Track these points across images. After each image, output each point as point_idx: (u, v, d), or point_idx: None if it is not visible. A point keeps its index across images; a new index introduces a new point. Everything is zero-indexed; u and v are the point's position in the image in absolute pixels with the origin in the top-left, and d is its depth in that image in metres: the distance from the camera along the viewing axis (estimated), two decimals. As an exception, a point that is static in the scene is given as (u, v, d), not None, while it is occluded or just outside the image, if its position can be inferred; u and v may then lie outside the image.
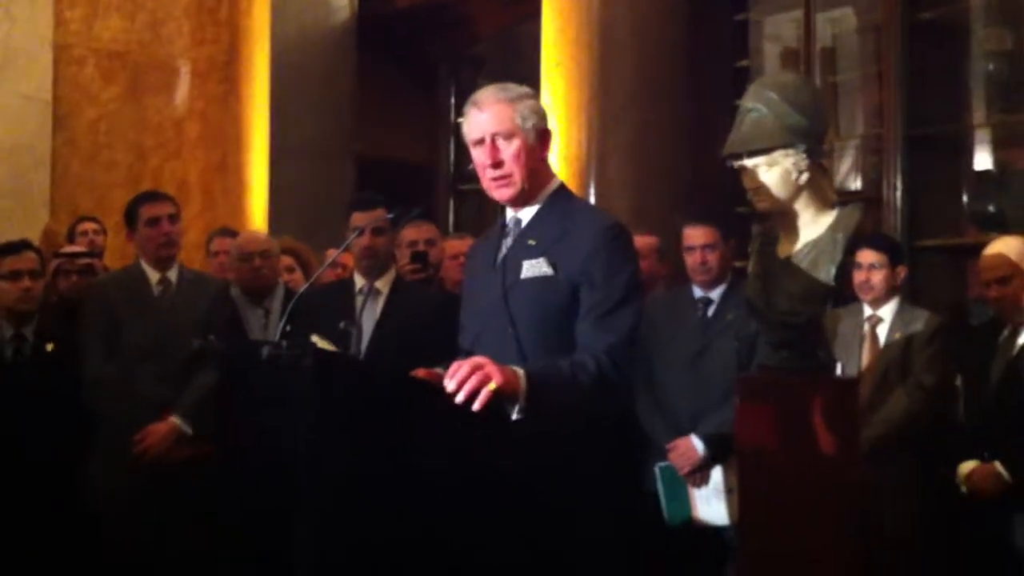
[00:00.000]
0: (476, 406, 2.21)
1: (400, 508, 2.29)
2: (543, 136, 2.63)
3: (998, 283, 3.91)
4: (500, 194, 2.64)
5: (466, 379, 2.22)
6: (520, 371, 2.31)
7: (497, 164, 2.60)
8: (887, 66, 5.38)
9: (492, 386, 2.22)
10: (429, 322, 3.59)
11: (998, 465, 3.79)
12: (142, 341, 4.06)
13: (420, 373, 2.55)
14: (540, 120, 2.62)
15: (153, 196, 4.32)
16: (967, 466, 3.88)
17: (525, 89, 2.67)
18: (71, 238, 6.00)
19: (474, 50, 9.20)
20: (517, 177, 2.60)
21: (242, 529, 2.98)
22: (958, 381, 4.13)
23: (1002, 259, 3.93)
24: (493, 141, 2.59)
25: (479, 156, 2.62)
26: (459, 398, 2.21)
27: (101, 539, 4.00)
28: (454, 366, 2.26)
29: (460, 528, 2.33)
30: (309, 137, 8.35)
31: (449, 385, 2.22)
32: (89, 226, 6.12)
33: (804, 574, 3.06)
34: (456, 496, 2.32)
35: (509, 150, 2.59)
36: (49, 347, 4.10)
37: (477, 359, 2.26)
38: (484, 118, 2.60)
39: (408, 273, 4.19)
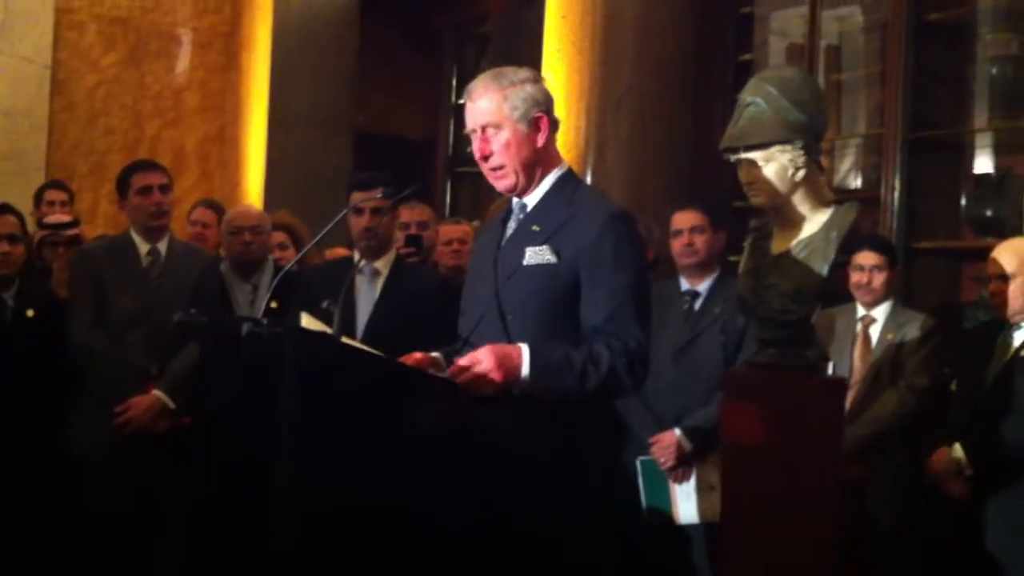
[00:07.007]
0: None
1: (377, 487, 2.28)
2: (538, 124, 2.57)
3: (999, 279, 3.82)
4: (499, 186, 2.63)
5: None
6: (525, 360, 2.36)
7: (486, 156, 2.58)
8: (891, 66, 5.32)
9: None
10: (428, 303, 3.58)
11: (957, 448, 3.65)
12: (129, 310, 4.03)
13: (415, 358, 2.55)
14: (535, 107, 2.56)
15: (145, 165, 4.27)
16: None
17: (525, 74, 2.60)
18: (37, 204, 5.62)
19: (480, 29, 9.10)
20: (509, 168, 2.58)
21: (217, 503, 2.96)
22: (953, 385, 4.09)
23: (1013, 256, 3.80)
24: (483, 132, 2.57)
25: (474, 146, 2.61)
26: None
27: (79, 506, 4.00)
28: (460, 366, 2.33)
29: (438, 507, 2.32)
30: (308, 109, 8.25)
31: None
32: (56, 195, 5.64)
33: (787, 571, 3.05)
34: (436, 475, 2.32)
35: (498, 142, 2.56)
36: (30, 313, 4.07)
37: (482, 366, 2.34)
38: (474, 108, 2.58)
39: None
